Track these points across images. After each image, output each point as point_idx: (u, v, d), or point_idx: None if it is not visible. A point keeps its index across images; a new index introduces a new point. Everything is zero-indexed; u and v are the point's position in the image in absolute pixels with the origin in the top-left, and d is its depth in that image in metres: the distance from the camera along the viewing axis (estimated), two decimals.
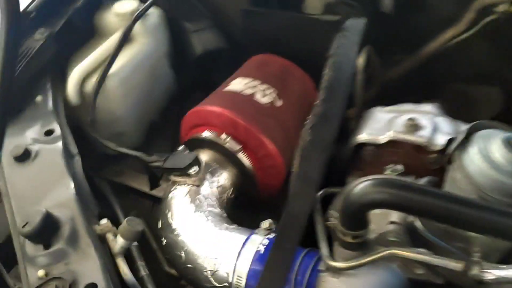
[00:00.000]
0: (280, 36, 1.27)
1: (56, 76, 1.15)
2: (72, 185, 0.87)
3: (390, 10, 1.39)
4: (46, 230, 0.79)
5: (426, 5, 1.38)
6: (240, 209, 1.08)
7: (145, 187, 1.17)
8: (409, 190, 0.66)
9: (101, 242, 0.82)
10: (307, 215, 0.79)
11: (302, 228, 0.77)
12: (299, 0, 1.33)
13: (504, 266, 0.68)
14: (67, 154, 0.95)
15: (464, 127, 0.93)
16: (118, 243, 0.80)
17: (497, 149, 0.74)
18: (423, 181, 0.81)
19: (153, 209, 1.18)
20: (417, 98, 1.46)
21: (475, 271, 0.68)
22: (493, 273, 0.67)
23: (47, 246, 0.78)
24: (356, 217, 0.71)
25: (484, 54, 1.43)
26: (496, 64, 1.42)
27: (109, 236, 0.82)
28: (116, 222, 0.99)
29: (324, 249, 0.78)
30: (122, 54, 1.19)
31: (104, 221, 0.85)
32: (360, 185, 0.69)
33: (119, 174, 1.21)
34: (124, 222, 0.80)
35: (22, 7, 0.99)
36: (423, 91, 1.52)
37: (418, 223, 0.75)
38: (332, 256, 0.77)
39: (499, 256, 0.78)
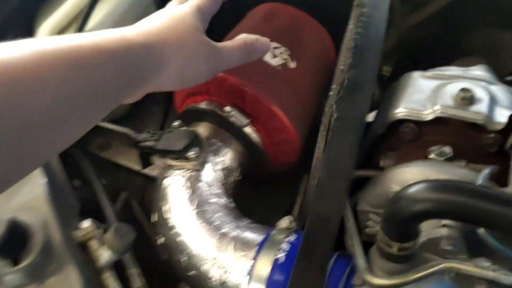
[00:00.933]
0: None
1: (21, 33, 0.95)
2: (43, 178, 0.71)
3: None
4: (13, 242, 0.63)
5: None
6: (244, 187, 0.93)
7: (135, 165, 1.01)
8: (478, 198, 0.50)
9: (83, 252, 0.66)
10: (340, 216, 0.64)
11: (334, 234, 0.62)
12: None
13: None
14: None
15: None
16: (104, 255, 0.65)
17: None
18: (484, 173, 0.64)
19: (146, 188, 1.03)
20: (442, 48, 1.30)
21: None
22: None
23: (15, 261, 0.63)
24: (405, 227, 0.55)
25: None
26: None
27: (93, 244, 0.67)
28: (101, 216, 0.84)
29: (360, 260, 0.63)
30: (100, 4, 0.99)
31: (86, 223, 0.69)
32: (412, 189, 0.53)
33: (105, 149, 1.04)
34: (111, 231, 0.64)
35: None
36: (448, 40, 1.36)
37: (481, 229, 0.60)
38: (369, 266, 0.63)
39: None
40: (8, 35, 0.93)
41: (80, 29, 0.94)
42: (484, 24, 1.32)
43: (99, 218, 0.79)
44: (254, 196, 1.01)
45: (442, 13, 1.27)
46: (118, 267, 0.72)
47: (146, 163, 0.97)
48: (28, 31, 0.98)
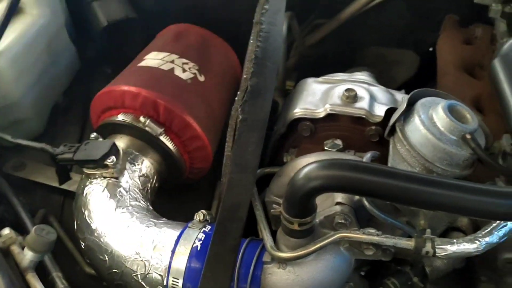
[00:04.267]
0: (196, 3, 1.16)
1: None
2: None
3: None
4: None
5: None
6: (163, 197, 0.98)
7: (53, 181, 1.02)
8: (360, 171, 0.60)
9: (5, 257, 0.68)
10: (248, 205, 0.71)
11: (244, 220, 0.69)
12: None
13: (455, 240, 0.66)
14: None
15: (399, 95, 0.90)
16: (27, 256, 0.67)
17: (440, 118, 0.71)
18: (366, 157, 0.76)
19: (64, 204, 1.05)
20: (338, 65, 1.45)
21: (427, 248, 0.65)
22: (445, 249, 0.65)
23: None
24: (303, 203, 0.64)
25: (400, 17, 1.44)
26: (410, 26, 1.43)
27: (15, 249, 0.69)
28: (21, 228, 0.85)
29: (268, 239, 0.71)
30: (10, 28, 1.01)
31: (5, 231, 0.71)
32: (305, 170, 0.63)
33: (21, 168, 1.04)
34: (32, 232, 0.67)
35: None
36: (343, 57, 1.51)
37: (366, 202, 0.70)
38: (276, 245, 0.71)
39: (444, 227, 0.76)
40: None
41: None
42: (373, 43, 1.50)
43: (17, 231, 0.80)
44: (173, 204, 1.06)
45: (335, 33, 1.42)
46: (40, 274, 0.74)
47: (64, 178, 0.99)
48: None
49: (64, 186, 1.00)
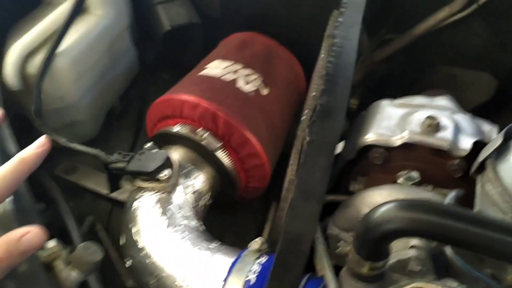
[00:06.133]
0: (264, 11, 1.10)
1: None
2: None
3: None
4: None
5: None
6: (213, 212, 0.93)
7: (102, 188, 0.99)
8: (448, 217, 0.52)
9: (48, 273, 0.64)
10: (312, 237, 0.64)
11: (307, 255, 0.62)
12: None
13: None
14: (2, 153, 0.75)
15: (486, 126, 0.80)
16: (71, 275, 0.63)
17: None
18: (450, 196, 0.67)
19: (112, 212, 1.01)
20: (404, 83, 1.36)
21: None
22: None
23: None
24: (377, 246, 0.56)
25: (476, 36, 1.33)
26: (488, 46, 1.32)
27: (59, 264, 0.64)
28: (67, 238, 0.82)
29: (331, 281, 0.63)
30: (73, 28, 0.99)
31: (51, 243, 0.66)
32: (383, 208, 0.55)
33: (72, 172, 1.02)
34: (79, 249, 0.62)
35: None
36: (410, 75, 1.42)
37: (448, 249, 0.61)
38: (340, 287, 0.63)
39: None
40: None
41: (53, 50, 0.93)
42: (445, 62, 1.39)
43: (64, 241, 0.77)
44: (224, 222, 1.01)
45: (406, 50, 1.33)
46: None
47: (115, 186, 0.95)
48: None
49: (113, 195, 0.97)
